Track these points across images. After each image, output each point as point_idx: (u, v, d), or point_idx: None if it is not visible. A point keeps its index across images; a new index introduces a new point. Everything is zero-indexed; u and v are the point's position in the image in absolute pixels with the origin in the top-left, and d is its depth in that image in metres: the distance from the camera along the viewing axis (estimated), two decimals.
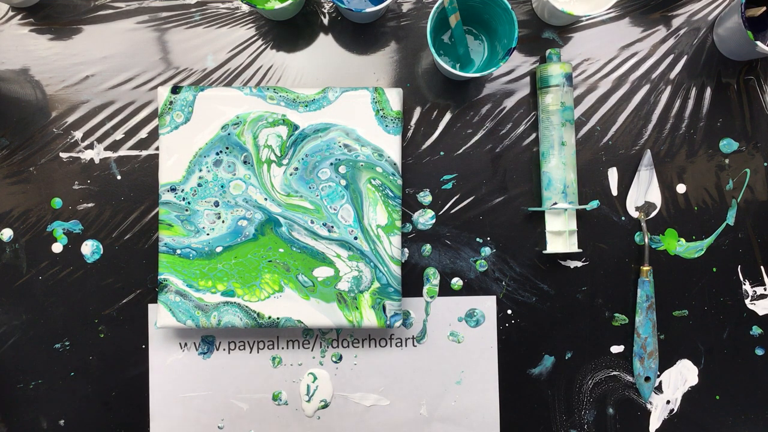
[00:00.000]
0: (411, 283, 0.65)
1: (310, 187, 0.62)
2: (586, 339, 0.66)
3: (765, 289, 0.66)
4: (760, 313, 0.66)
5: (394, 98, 0.62)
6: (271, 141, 0.62)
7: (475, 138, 0.66)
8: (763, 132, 0.66)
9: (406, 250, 0.65)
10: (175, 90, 0.61)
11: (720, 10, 0.66)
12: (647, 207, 0.66)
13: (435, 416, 0.65)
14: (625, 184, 0.66)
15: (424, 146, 0.66)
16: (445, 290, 0.65)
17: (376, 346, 0.65)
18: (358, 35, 0.66)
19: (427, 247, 0.65)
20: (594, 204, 0.65)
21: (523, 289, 0.66)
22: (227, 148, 0.62)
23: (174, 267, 0.61)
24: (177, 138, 0.61)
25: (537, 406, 0.66)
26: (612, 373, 0.66)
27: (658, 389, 0.66)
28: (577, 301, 0.66)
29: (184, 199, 0.61)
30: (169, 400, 0.64)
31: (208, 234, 0.61)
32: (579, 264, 0.66)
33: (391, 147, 0.62)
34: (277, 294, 0.61)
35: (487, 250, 0.66)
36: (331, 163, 0.62)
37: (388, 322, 0.62)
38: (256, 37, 0.66)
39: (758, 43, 0.59)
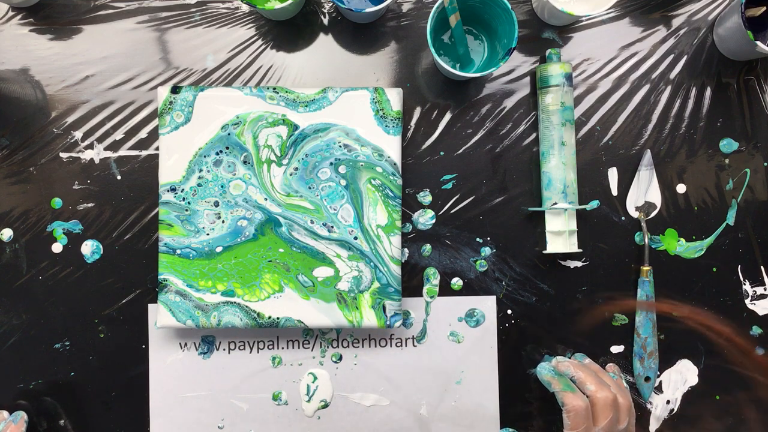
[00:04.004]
0: (411, 283, 0.65)
1: (310, 187, 0.62)
2: (586, 339, 0.66)
3: (765, 289, 0.66)
4: (760, 313, 0.66)
5: (394, 98, 0.62)
6: (271, 141, 0.62)
7: (475, 138, 0.66)
8: (763, 132, 0.66)
9: (406, 250, 0.65)
10: (175, 90, 0.61)
11: (720, 10, 0.66)
12: (647, 207, 0.66)
13: (435, 416, 0.65)
14: (625, 184, 0.66)
15: (424, 146, 0.66)
16: (445, 290, 0.65)
17: (376, 346, 0.65)
18: (358, 35, 0.66)
19: (427, 247, 0.65)
20: (594, 204, 0.65)
21: (523, 289, 0.66)
22: (227, 148, 0.62)
23: (174, 267, 0.61)
24: (177, 138, 0.61)
25: (537, 406, 0.66)
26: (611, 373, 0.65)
27: (658, 389, 0.66)
28: (577, 301, 0.66)
29: (184, 199, 0.61)
30: (169, 400, 0.64)
31: (208, 234, 0.61)
32: (579, 264, 0.66)
33: (391, 147, 0.62)
34: (277, 294, 0.61)
35: (487, 250, 0.66)
36: (331, 163, 0.62)
37: (388, 322, 0.62)
38: (256, 37, 0.66)
39: (758, 43, 0.59)
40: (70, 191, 0.65)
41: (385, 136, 0.62)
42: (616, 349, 0.66)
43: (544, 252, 0.64)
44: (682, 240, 0.66)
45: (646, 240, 0.65)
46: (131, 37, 0.65)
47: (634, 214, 0.66)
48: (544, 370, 0.60)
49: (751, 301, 0.66)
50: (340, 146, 0.62)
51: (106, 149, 0.65)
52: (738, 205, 0.66)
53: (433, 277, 0.65)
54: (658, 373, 0.66)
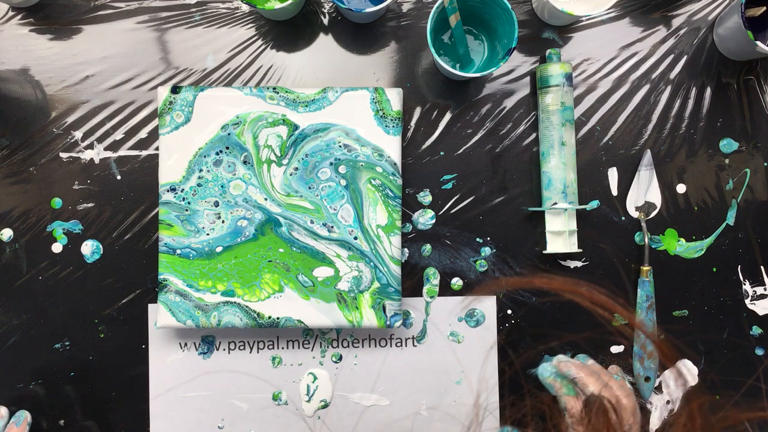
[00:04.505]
0: (411, 283, 0.65)
1: (310, 187, 0.62)
2: (586, 339, 0.66)
3: (765, 289, 0.66)
4: (760, 313, 0.66)
5: (394, 98, 0.62)
6: (271, 141, 0.62)
7: (475, 138, 0.66)
8: (763, 132, 0.66)
9: (406, 250, 0.65)
10: (175, 90, 0.61)
11: (720, 10, 0.66)
12: (647, 207, 0.66)
13: (435, 416, 0.65)
14: (625, 184, 0.66)
15: (424, 146, 0.66)
16: (445, 290, 0.65)
17: (376, 346, 0.65)
18: (358, 35, 0.66)
19: (427, 247, 0.65)
20: (594, 204, 0.65)
21: (523, 289, 0.66)
22: (227, 148, 0.62)
23: (174, 267, 0.61)
24: (177, 138, 0.61)
25: (537, 407, 0.66)
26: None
27: (658, 389, 0.66)
28: (577, 301, 0.66)
29: (184, 199, 0.61)
30: (169, 400, 0.64)
31: (208, 234, 0.61)
32: (579, 264, 0.66)
33: (391, 147, 0.62)
34: (277, 294, 0.61)
35: (487, 250, 0.66)
36: (331, 163, 0.62)
37: (388, 322, 0.62)
38: (256, 37, 0.66)
39: (758, 43, 0.59)
40: (70, 191, 0.65)
41: (385, 136, 0.62)
42: (616, 349, 0.66)
43: (544, 252, 0.64)
44: (682, 240, 0.66)
45: (646, 240, 0.65)
46: (131, 37, 0.65)
47: (634, 214, 0.66)
48: (546, 372, 0.59)
49: (751, 301, 0.66)
50: (340, 146, 0.62)
51: (106, 149, 0.65)
52: (738, 205, 0.66)
53: (433, 277, 0.65)
54: (658, 373, 0.66)
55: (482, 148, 0.66)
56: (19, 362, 0.65)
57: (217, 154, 0.62)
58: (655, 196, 0.66)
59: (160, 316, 0.61)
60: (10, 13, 0.65)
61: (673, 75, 0.66)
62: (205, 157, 0.61)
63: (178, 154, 0.61)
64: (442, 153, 0.66)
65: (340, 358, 0.65)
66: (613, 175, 0.66)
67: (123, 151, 0.65)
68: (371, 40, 0.66)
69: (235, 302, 0.61)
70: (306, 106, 0.62)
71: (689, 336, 0.66)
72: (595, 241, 0.66)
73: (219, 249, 0.61)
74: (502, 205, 0.66)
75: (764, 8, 0.62)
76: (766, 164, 0.66)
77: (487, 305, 0.65)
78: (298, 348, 0.65)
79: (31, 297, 0.65)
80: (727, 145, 0.66)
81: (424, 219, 0.65)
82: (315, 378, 0.65)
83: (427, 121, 0.66)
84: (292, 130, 0.62)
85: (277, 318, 0.61)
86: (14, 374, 0.64)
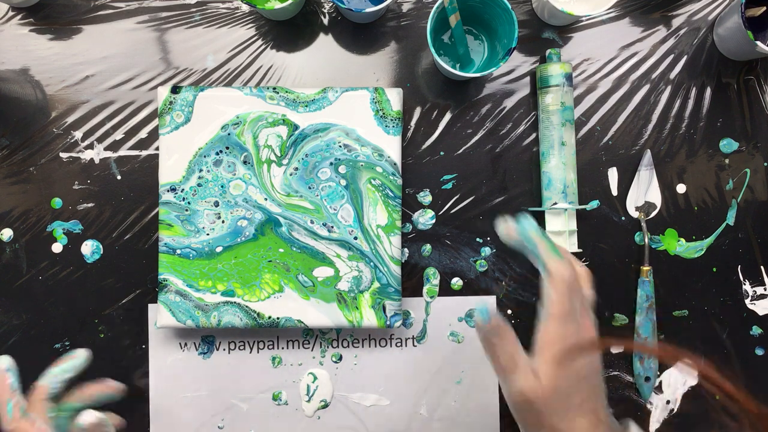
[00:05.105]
0: (411, 283, 0.65)
1: (310, 187, 0.62)
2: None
3: (765, 289, 0.66)
4: (760, 313, 0.66)
5: (394, 98, 0.62)
6: (271, 141, 0.62)
7: (475, 138, 0.66)
8: (763, 132, 0.66)
9: (406, 250, 0.65)
10: (175, 90, 0.61)
11: (720, 10, 0.66)
12: (647, 207, 0.66)
13: (435, 416, 0.65)
14: (625, 184, 0.66)
15: (424, 146, 0.66)
16: (445, 290, 0.65)
17: (376, 346, 0.65)
18: (358, 35, 0.66)
19: (427, 247, 0.65)
20: (594, 204, 0.65)
21: (523, 289, 0.66)
22: (227, 148, 0.62)
23: (174, 267, 0.61)
24: (177, 138, 0.61)
25: None
26: (612, 373, 0.65)
27: (658, 389, 0.66)
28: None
29: (184, 199, 0.61)
30: (169, 400, 0.64)
31: (208, 234, 0.61)
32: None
33: (391, 147, 0.62)
34: (277, 294, 0.61)
35: (487, 250, 0.66)
36: (331, 163, 0.62)
37: (388, 322, 0.62)
38: (256, 37, 0.66)
39: (758, 43, 0.59)
40: (70, 191, 0.65)
41: (385, 136, 0.62)
42: (616, 349, 0.66)
43: None
44: (682, 240, 0.66)
45: (646, 240, 0.65)
46: (131, 37, 0.65)
47: (634, 214, 0.66)
48: (530, 226, 0.47)
49: (751, 301, 0.66)
50: (340, 146, 0.62)
51: (106, 149, 0.65)
52: (738, 205, 0.66)
53: (433, 277, 0.65)
54: (658, 373, 0.66)
55: (482, 148, 0.66)
56: (19, 362, 0.65)
57: (217, 154, 0.62)
58: (655, 196, 0.66)
59: (160, 316, 0.61)
60: (10, 13, 0.65)
61: (673, 75, 0.66)
62: (205, 157, 0.61)
63: (178, 154, 0.61)
64: (442, 153, 0.66)
65: (340, 358, 0.65)
66: (613, 175, 0.66)
67: (123, 151, 0.65)
68: (371, 40, 0.66)
69: (235, 302, 0.61)
70: (306, 106, 0.62)
71: (689, 336, 0.66)
72: (595, 241, 0.66)
73: (219, 249, 0.61)
74: (502, 205, 0.66)
75: (764, 8, 0.62)
76: (766, 164, 0.66)
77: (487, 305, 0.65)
78: (298, 348, 0.65)
79: (31, 297, 0.65)
80: (727, 145, 0.66)
81: (424, 219, 0.65)
82: (315, 378, 0.65)
83: (427, 121, 0.66)
84: (292, 130, 0.62)
85: (277, 318, 0.61)
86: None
